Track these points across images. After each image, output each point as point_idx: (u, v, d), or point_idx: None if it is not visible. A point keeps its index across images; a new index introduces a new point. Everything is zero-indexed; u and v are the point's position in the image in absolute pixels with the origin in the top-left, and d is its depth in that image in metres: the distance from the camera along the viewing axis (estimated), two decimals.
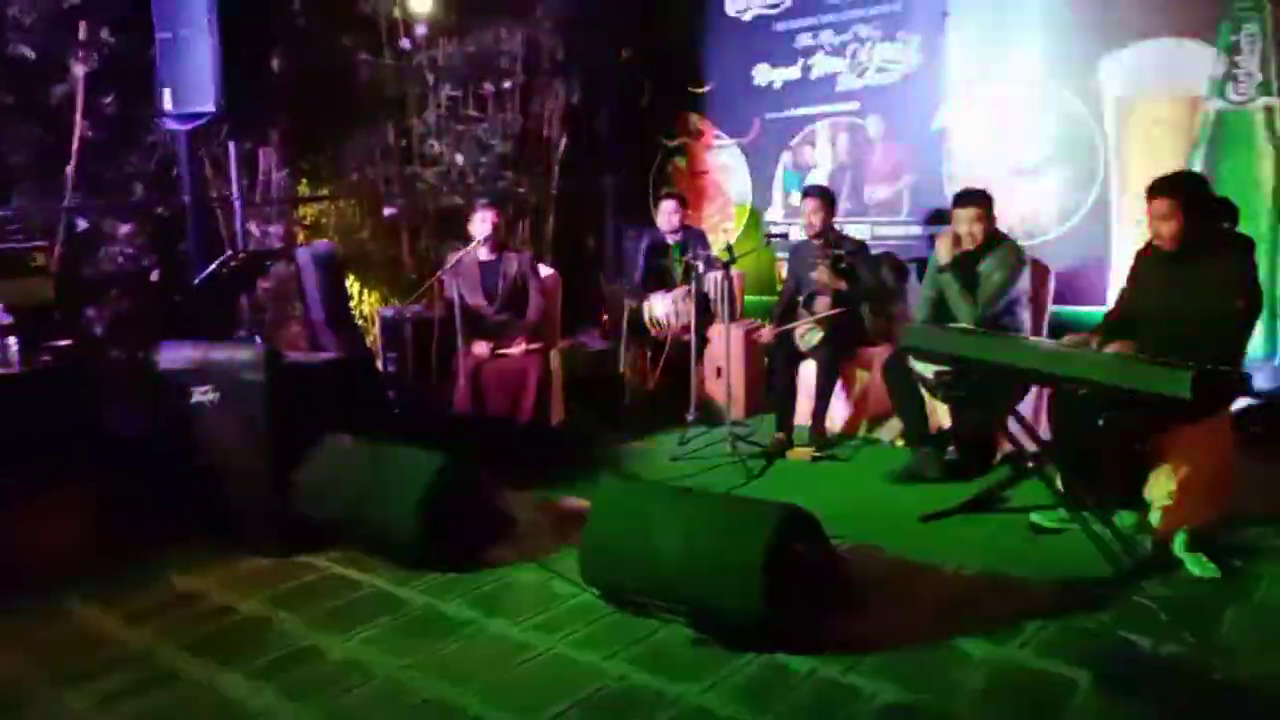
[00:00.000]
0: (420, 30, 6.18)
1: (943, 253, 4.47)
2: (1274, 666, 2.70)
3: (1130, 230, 5.08)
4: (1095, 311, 4.75)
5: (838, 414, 5.28)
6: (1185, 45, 4.93)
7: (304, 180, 5.86)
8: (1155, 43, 5.03)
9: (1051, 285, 4.88)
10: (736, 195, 6.88)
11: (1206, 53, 4.86)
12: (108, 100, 4.89)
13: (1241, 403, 3.95)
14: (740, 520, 2.93)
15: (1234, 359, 3.33)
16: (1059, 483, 3.63)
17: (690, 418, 5.26)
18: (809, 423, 5.07)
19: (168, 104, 4.44)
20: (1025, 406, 4.16)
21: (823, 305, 5.10)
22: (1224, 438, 3.51)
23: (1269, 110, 4.71)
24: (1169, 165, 4.72)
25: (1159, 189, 3.50)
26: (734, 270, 5.34)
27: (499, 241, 5.15)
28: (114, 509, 3.87)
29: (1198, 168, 4.79)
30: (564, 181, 6.96)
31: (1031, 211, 5.50)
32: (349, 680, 2.85)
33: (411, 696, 2.75)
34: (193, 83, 4.35)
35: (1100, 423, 3.52)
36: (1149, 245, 3.68)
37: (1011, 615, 3.06)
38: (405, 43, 6.12)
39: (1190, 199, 3.44)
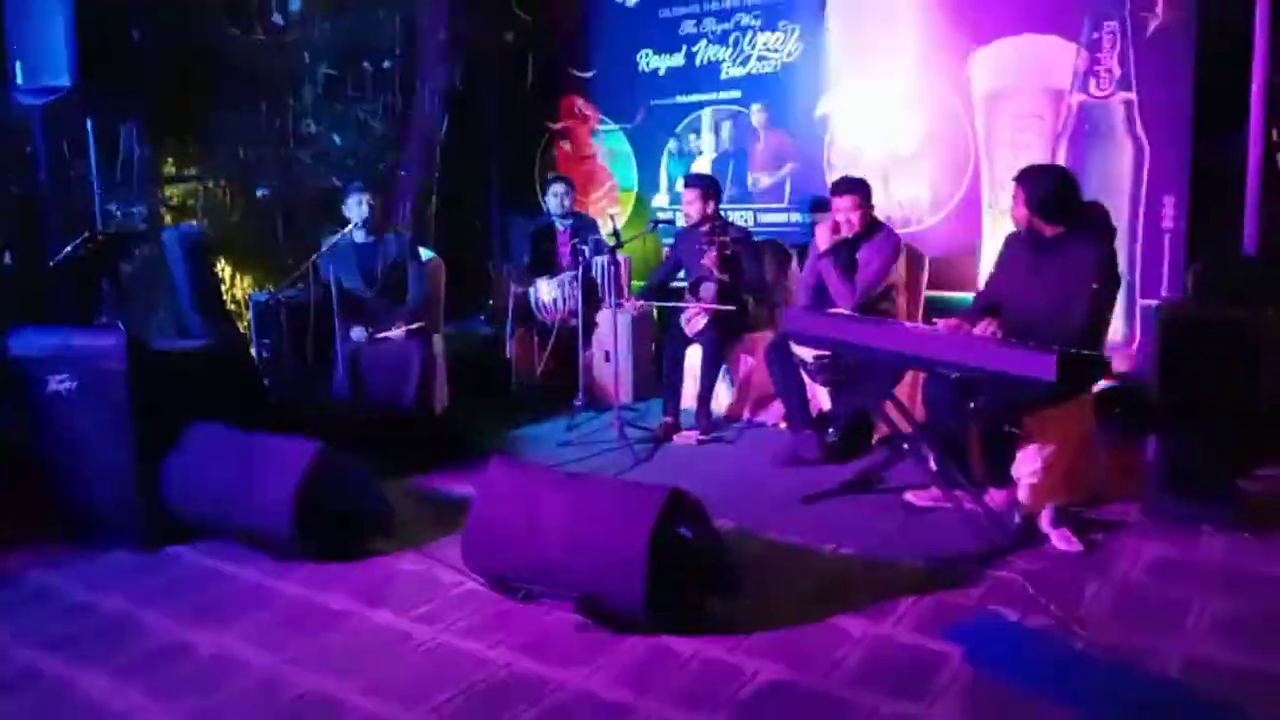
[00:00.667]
0: (294, 7, 5.97)
1: (821, 240, 4.56)
2: (1131, 636, 2.84)
3: (999, 219, 5.26)
4: (967, 296, 4.91)
5: (723, 398, 5.34)
6: (1050, 41, 5.12)
7: (170, 159, 5.60)
8: (1021, 38, 5.21)
9: (926, 271, 5.03)
10: (623, 180, 6.88)
11: (1070, 48, 5.06)
12: None
13: (1103, 385, 4.13)
14: (624, 504, 2.92)
15: (1092, 343, 3.48)
16: (932, 463, 3.75)
17: (578, 403, 5.25)
18: (695, 406, 5.11)
19: (19, 78, 4.19)
20: (901, 390, 4.28)
21: (708, 291, 5.14)
22: (1086, 419, 3.68)
23: (1128, 104, 4.93)
24: (1035, 157, 4.94)
25: (1015, 179, 3.69)
26: (620, 255, 5.34)
27: (376, 224, 5.02)
28: None
29: (1062, 159, 5.00)
30: (446, 164, 6.84)
31: (908, 200, 5.65)
32: (221, 676, 2.75)
33: (289, 690, 2.66)
34: (46, 54, 4.11)
35: (971, 405, 3.65)
36: (1014, 232, 3.82)
37: (887, 592, 3.14)
38: (278, 18, 5.90)
39: (1035, 192, 3.60)
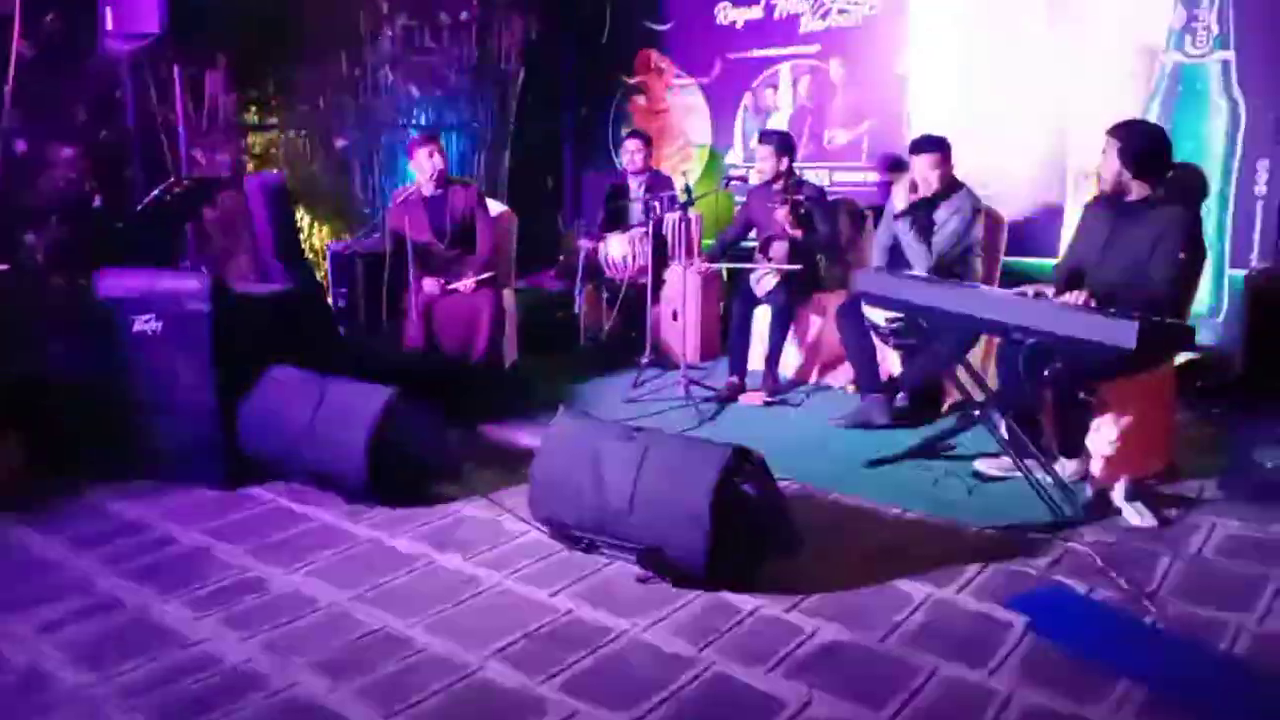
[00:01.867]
0: None
1: (898, 199, 4.47)
2: (1202, 613, 2.77)
3: (1084, 183, 5.12)
4: (1047, 263, 4.80)
5: (791, 359, 5.30)
6: None
7: (253, 108, 5.70)
8: None
9: (1005, 235, 4.91)
10: (697, 136, 6.82)
11: (1165, 4, 4.86)
12: (47, 19, 4.70)
13: (1185, 356, 4.02)
14: (688, 459, 2.93)
15: (1175, 312, 3.37)
16: (1003, 431, 3.69)
17: (645, 360, 5.26)
18: (763, 367, 5.08)
19: (110, 24, 4.29)
20: (973, 354, 4.21)
21: (779, 250, 5.09)
22: (1166, 390, 3.57)
23: (1225, 64, 4.73)
24: (1126, 116, 4.78)
25: (1110, 130, 3.53)
26: (692, 212, 5.31)
27: (443, 176, 5.05)
28: (54, 438, 3.79)
29: (1154, 120, 4.82)
30: (521, 117, 6.85)
31: (988, 161, 5.51)
32: (293, 610, 2.84)
33: (357, 627, 2.74)
34: (136, 2, 4.20)
35: (1045, 372, 3.57)
36: (1096, 197, 3.70)
37: (952, 558, 3.11)
38: None
39: (1132, 144, 3.45)
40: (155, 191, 4.23)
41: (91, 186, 4.91)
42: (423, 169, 4.93)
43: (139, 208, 4.32)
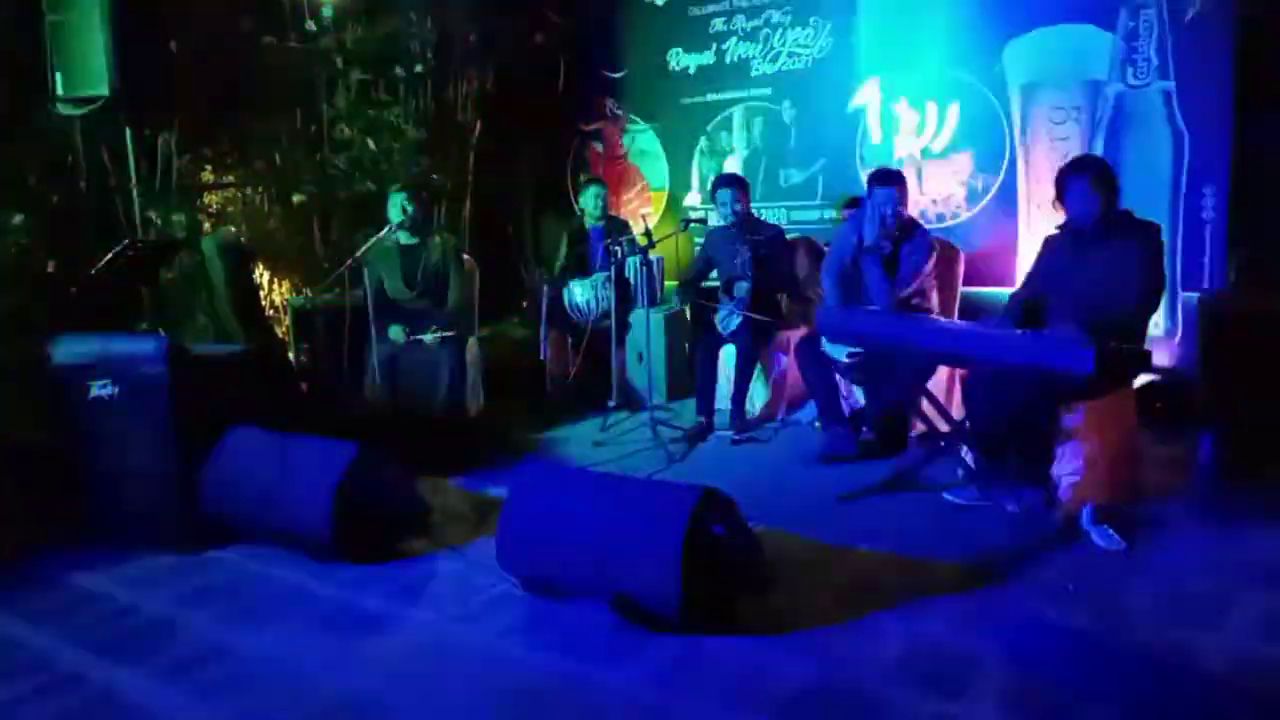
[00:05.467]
0: (326, 13, 6.02)
1: (869, 232, 4.49)
2: (1173, 634, 2.79)
3: (1037, 213, 5.21)
4: (1004, 292, 4.85)
5: (757, 397, 5.31)
6: (1086, 30, 5.05)
7: (208, 167, 5.67)
8: (1056, 29, 5.15)
9: (961, 267, 4.98)
10: (654, 180, 6.88)
11: (1106, 38, 4.99)
12: None
13: (1144, 380, 4.07)
14: (658, 504, 2.92)
15: (1136, 338, 3.42)
16: (970, 460, 3.71)
17: (611, 403, 5.25)
18: (730, 406, 5.09)
19: (60, 88, 4.27)
20: (938, 386, 4.24)
21: (742, 289, 5.12)
22: (1128, 415, 3.62)
23: (1166, 93, 4.85)
24: (1073, 148, 4.89)
25: (1072, 167, 3.61)
26: (653, 255, 5.33)
27: (420, 227, 5.05)
28: (11, 508, 3.71)
29: (1100, 150, 4.93)
30: (479, 167, 6.87)
31: (941, 195, 5.60)
32: (262, 678, 2.77)
33: (327, 692, 2.69)
34: (86, 66, 4.20)
35: (1007, 400, 3.60)
36: (1060, 228, 3.75)
37: (924, 591, 3.11)
38: (311, 25, 5.96)
39: (1106, 176, 3.53)
40: (110, 255, 4.18)
41: (44, 252, 4.84)
42: (398, 217, 4.90)
43: (93, 272, 4.27)
